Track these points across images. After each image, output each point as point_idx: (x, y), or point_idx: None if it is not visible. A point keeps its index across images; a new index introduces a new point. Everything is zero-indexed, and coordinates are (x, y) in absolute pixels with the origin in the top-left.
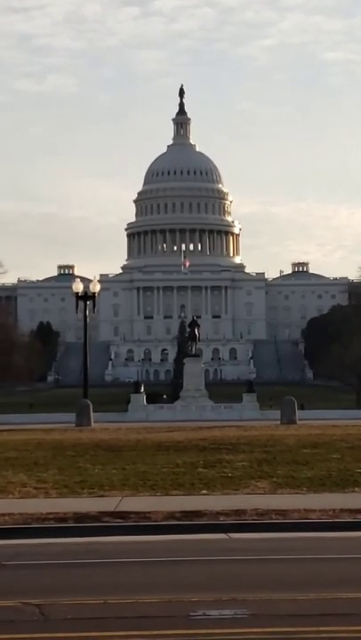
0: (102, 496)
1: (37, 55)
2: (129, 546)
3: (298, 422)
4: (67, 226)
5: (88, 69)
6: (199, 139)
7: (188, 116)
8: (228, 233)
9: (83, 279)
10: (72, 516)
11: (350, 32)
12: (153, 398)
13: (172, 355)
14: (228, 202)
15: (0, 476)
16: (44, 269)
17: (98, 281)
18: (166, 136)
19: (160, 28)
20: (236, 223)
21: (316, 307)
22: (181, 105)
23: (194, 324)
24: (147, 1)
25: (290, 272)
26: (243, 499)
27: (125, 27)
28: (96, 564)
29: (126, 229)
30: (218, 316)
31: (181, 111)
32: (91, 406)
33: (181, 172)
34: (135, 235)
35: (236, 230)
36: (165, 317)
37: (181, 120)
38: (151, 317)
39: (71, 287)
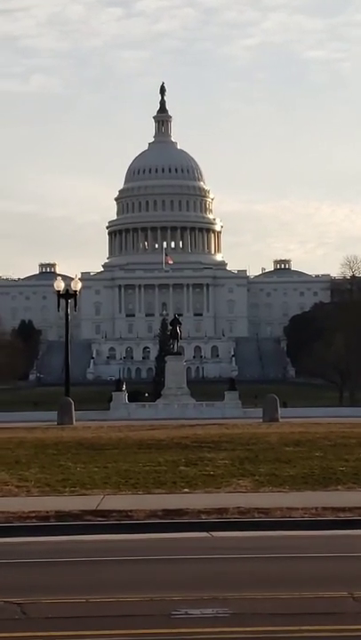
0: (84, 494)
1: (21, 56)
2: (111, 544)
3: (280, 420)
4: (48, 224)
5: (72, 69)
6: (181, 137)
7: (170, 113)
8: (209, 230)
9: (64, 277)
10: (54, 514)
11: (332, 31)
12: (135, 396)
13: (153, 353)
14: (209, 199)
15: None
16: (26, 268)
17: (79, 279)
18: (148, 134)
19: (143, 29)
20: (217, 221)
21: (299, 304)
22: (163, 103)
23: (175, 321)
24: (129, 2)
25: (272, 269)
26: (225, 497)
27: (108, 27)
28: (78, 562)
29: (108, 227)
30: (200, 314)
31: (162, 109)
32: (72, 404)
33: (163, 170)
34: (116, 233)
35: (217, 228)
36: (147, 315)
37: (162, 118)
38: (133, 315)
39: (53, 285)
